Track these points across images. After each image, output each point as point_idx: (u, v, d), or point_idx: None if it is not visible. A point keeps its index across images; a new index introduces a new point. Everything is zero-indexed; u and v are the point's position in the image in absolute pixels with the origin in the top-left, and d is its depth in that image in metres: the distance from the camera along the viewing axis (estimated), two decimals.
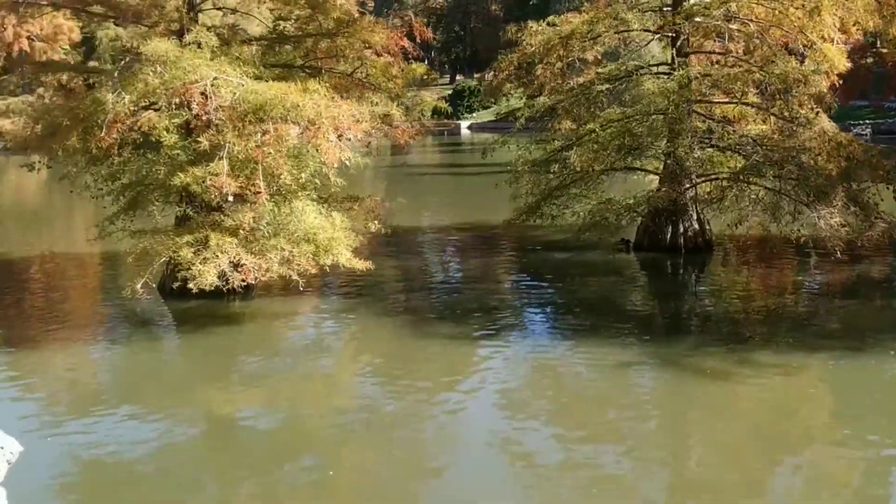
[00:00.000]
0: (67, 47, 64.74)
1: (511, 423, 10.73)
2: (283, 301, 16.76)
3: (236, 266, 13.78)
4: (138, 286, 13.69)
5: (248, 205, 14.54)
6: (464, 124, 73.46)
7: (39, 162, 15.43)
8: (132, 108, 13.72)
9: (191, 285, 13.39)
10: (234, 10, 16.08)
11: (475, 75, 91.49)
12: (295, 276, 14.10)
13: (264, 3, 16.05)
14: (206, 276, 13.25)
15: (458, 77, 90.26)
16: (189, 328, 15.37)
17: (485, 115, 75.62)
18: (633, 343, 13.70)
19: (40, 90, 64.69)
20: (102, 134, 13.30)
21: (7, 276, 20.71)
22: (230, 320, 15.64)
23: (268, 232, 14.07)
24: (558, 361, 13.13)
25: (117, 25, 61.89)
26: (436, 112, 20.71)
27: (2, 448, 7.48)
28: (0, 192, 46.21)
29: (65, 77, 55.44)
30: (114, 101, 13.35)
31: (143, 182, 14.85)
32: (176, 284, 13.67)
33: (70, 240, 27.69)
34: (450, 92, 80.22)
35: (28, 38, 63.19)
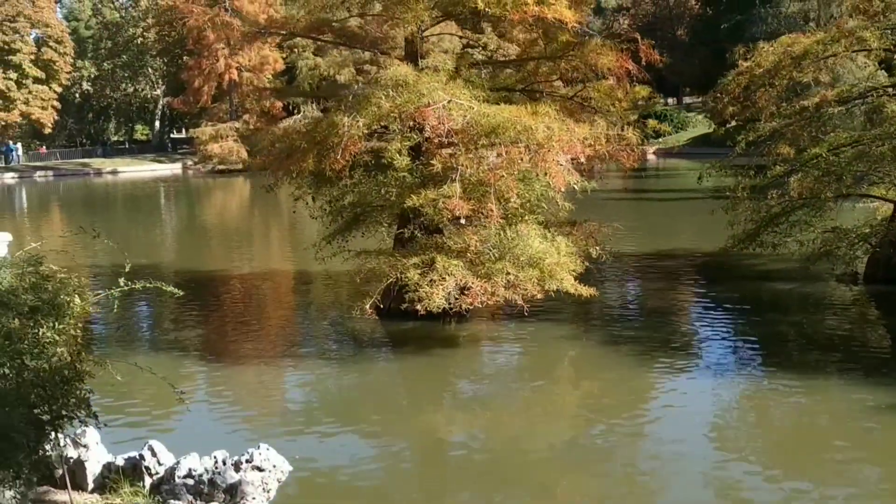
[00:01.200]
0: (270, 76, 68.50)
1: (727, 461, 10.16)
2: (497, 325, 16.68)
3: (462, 289, 13.77)
4: (367, 306, 13.96)
5: (470, 227, 14.56)
6: (649, 149, 72.05)
7: (274, 183, 16.04)
8: (365, 132, 14.03)
9: (418, 307, 13.48)
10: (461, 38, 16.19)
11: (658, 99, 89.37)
12: (520, 301, 13.96)
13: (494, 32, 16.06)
14: (435, 298, 13.30)
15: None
16: (405, 349, 15.50)
17: (671, 141, 73.88)
18: (865, 382, 12.60)
19: (245, 116, 68.83)
20: (338, 156, 13.62)
21: (223, 294, 21.70)
22: (446, 343, 15.64)
23: (493, 255, 14.00)
24: (775, 398, 12.33)
25: (317, 55, 64.99)
26: (657, 133, 20.15)
27: (274, 467, 7.58)
28: (206, 211, 49.03)
29: (267, 104, 58.56)
30: (349, 124, 13.65)
31: (368, 203, 15.17)
32: (404, 306, 13.80)
33: (269, 258, 28.90)
34: (635, 117, 78.81)
35: (237, 68, 67.34)
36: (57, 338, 6.57)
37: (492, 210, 12.84)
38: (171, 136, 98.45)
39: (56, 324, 6.62)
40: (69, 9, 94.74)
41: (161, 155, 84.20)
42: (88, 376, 6.89)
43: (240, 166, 66.99)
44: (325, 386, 14.11)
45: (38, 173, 74.07)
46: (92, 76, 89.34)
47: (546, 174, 13.56)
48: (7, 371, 6.20)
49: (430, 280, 13.67)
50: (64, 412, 6.74)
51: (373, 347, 16.13)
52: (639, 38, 15.52)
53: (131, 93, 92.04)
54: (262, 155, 15.24)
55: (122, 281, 7.41)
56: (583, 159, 13.54)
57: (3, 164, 75.25)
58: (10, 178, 71.80)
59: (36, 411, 6.60)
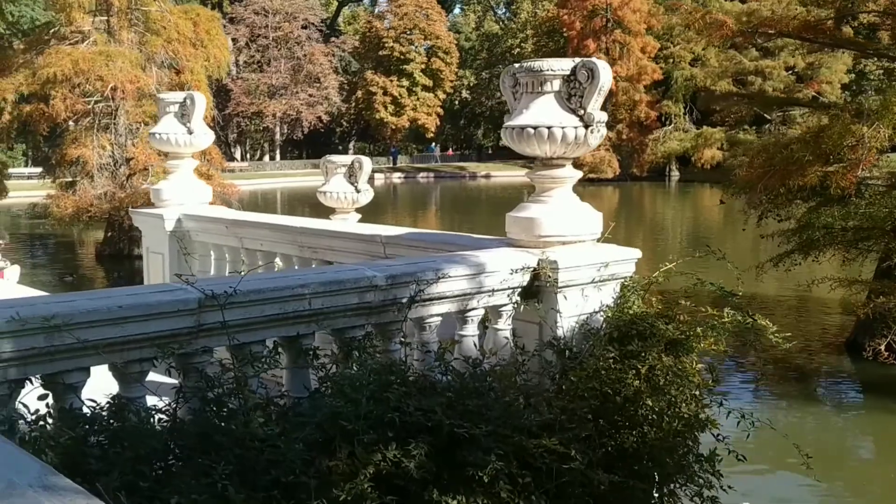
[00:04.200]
0: (644, 87, 67.48)
1: None
2: None
3: None
4: (882, 346, 11.92)
5: None
6: None
7: (752, 200, 14.43)
8: (886, 144, 11.96)
9: None
10: None
11: None
12: None
13: None
14: None
15: None
16: (879, 394, 13.34)
17: None
18: None
19: (618, 126, 68.16)
20: (856, 170, 11.68)
21: None
22: None
23: None
24: None
25: (692, 66, 62.47)
26: None
27: None
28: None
29: (641, 114, 56.87)
30: (868, 134, 11.63)
31: (875, 225, 13.04)
32: None
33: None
34: None
35: (615, 78, 67.00)
36: (693, 379, 5.47)
37: None
38: None
39: (693, 361, 5.54)
40: (452, 22, 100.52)
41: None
42: (712, 426, 5.68)
43: (609, 175, 66.58)
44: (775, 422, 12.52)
45: (421, 175, 79.10)
46: (470, 84, 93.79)
47: None
48: (653, 416, 5.17)
49: None
50: (686, 466, 5.61)
51: (842, 388, 14.13)
52: None
53: (504, 101, 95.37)
54: (747, 167, 13.63)
55: (727, 311, 6.17)
56: None
57: (392, 165, 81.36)
58: (397, 177, 77.47)
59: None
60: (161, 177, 26.29)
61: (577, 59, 5.43)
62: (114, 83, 25.24)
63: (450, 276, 4.96)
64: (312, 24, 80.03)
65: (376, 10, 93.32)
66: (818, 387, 14.08)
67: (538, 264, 5.36)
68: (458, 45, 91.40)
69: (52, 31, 28.86)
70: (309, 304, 4.47)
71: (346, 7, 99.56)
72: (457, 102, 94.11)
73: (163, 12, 27.04)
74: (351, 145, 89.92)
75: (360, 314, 4.73)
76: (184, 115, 8.71)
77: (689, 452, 5.65)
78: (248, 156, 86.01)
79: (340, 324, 4.68)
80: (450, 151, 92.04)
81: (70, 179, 28.92)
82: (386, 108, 79.91)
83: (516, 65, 5.73)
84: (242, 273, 4.25)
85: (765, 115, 58.02)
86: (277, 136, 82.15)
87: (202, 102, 8.69)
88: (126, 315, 3.90)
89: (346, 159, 10.04)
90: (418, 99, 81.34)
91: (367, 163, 9.96)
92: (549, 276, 5.33)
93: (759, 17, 14.03)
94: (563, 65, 5.40)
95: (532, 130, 5.37)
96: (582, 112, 5.37)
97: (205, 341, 4.20)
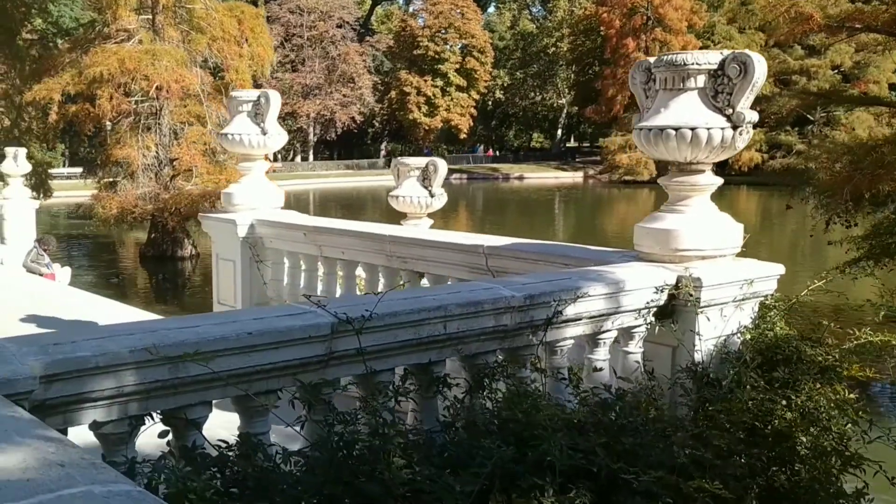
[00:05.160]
0: None
1: None
2: None
3: None
4: None
5: None
6: None
7: (844, 204, 13.79)
8: None
9: None
10: None
11: None
12: None
13: None
14: None
15: None
16: None
17: None
18: None
19: None
20: None
21: None
22: None
23: None
24: None
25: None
26: None
27: None
28: (605, 221, 48.26)
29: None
30: None
31: None
32: None
33: None
34: None
35: None
36: (858, 413, 4.97)
37: None
38: (566, 145, 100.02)
39: (845, 391, 5.01)
40: (486, 20, 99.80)
41: (563, 163, 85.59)
42: (861, 462, 5.13)
43: (645, 177, 65.84)
44: None
45: (454, 175, 78.51)
46: (505, 85, 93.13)
47: None
48: (809, 452, 4.65)
49: None
50: None
51: None
52: None
53: (538, 101, 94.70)
54: (828, 171, 12.99)
55: (866, 332, 5.62)
56: None
57: None
58: None
59: None
60: (205, 178, 26.22)
61: (726, 52, 4.91)
62: (159, 82, 24.99)
63: (589, 296, 4.47)
64: (347, 22, 79.79)
65: (410, 9, 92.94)
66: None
67: (678, 281, 4.86)
68: (493, 45, 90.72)
69: (97, 29, 28.69)
70: (444, 329, 4.00)
71: (380, 6, 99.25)
72: (490, 103, 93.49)
73: (208, 10, 26.75)
74: (383, 146, 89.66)
75: (495, 338, 4.26)
76: (257, 114, 8.31)
77: (836, 491, 5.12)
78: (280, 156, 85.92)
79: (473, 349, 4.22)
80: (490, 152, 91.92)
81: (111, 179, 28.77)
82: (419, 108, 79.52)
83: (651, 58, 5.20)
84: (381, 293, 3.80)
85: (808, 115, 56.87)
86: (311, 137, 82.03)
87: (277, 101, 8.28)
88: (255, 343, 3.46)
89: (420, 162, 9.58)
90: (452, 99, 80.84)
91: (442, 165, 9.49)
92: (690, 295, 4.82)
93: (847, 11, 13.40)
94: (710, 58, 4.88)
95: (673, 132, 4.85)
96: (730, 111, 4.85)
97: (335, 370, 3.75)
